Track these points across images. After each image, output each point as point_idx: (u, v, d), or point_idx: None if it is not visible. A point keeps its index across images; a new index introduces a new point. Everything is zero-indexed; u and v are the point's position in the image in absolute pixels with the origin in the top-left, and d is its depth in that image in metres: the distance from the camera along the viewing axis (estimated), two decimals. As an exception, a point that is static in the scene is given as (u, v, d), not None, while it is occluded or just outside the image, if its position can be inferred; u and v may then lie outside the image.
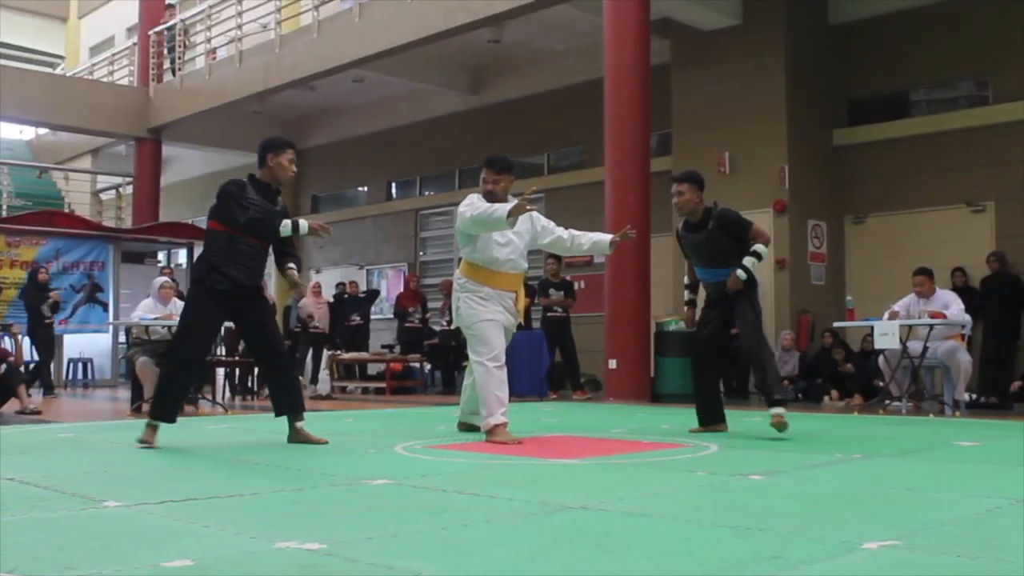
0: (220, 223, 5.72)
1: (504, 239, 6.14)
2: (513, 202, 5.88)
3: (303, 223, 5.71)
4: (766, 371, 6.23)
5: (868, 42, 13.08)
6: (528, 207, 5.86)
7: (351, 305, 15.30)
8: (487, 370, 6.00)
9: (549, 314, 12.73)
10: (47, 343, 13.08)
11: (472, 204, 6.08)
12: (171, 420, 5.66)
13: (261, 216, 5.62)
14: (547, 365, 12.33)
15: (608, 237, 6.56)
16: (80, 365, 15.56)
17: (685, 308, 7.08)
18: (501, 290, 6.17)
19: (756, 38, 12.83)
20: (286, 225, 5.64)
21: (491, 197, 6.20)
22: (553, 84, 16.08)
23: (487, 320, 6.08)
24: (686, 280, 6.91)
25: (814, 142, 12.97)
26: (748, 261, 6.29)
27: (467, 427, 6.67)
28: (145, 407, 8.85)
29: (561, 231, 6.52)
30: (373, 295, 16.04)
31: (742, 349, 6.50)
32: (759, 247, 6.30)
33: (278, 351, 5.97)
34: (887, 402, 9.40)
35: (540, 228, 6.46)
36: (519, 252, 6.25)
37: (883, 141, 12.77)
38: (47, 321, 12.98)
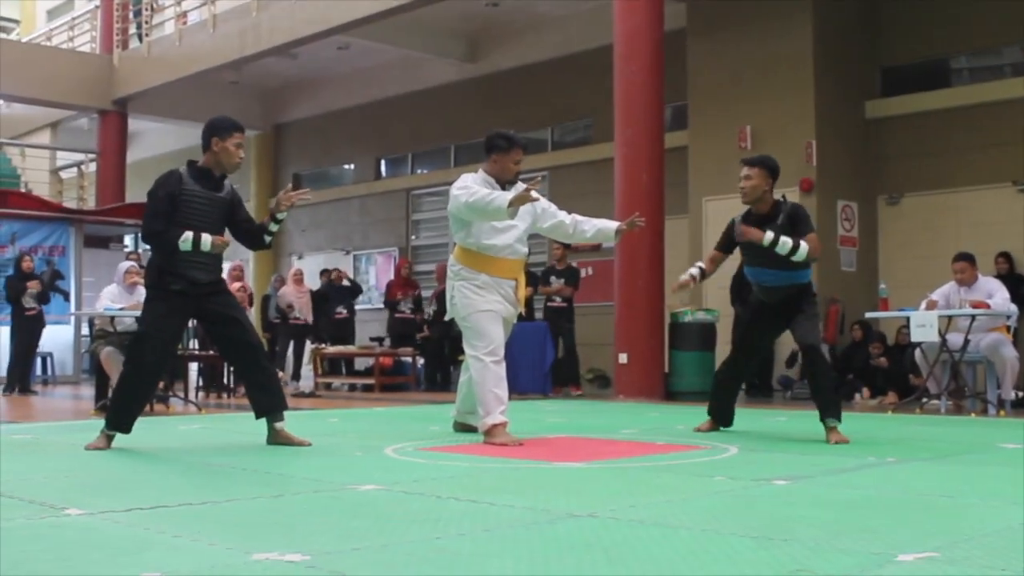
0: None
1: (502, 223, 6.11)
2: (512, 191, 5.88)
3: (206, 239, 5.63)
4: (827, 376, 6.21)
5: (904, 4, 13.04)
6: (533, 197, 5.88)
7: (337, 296, 15.29)
8: (484, 365, 5.99)
9: (550, 303, 12.74)
10: (29, 336, 13.08)
11: (467, 187, 6.03)
12: (126, 430, 5.67)
13: (157, 231, 5.61)
14: (551, 360, 12.33)
15: (614, 225, 6.53)
16: (39, 360, 15.57)
17: (689, 273, 6.66)
18: (500, 278, 6.15)
19: (781, 1, 12.80)
20: (186, 239, 5.58)
21: (507, 176, 6.18)
22: (557, 52, 16.06)
23: (484, 311, 6.06)
24: (700, 264, 6.76)
25: (844, 115, 12.95)
26: (792, 243, 6.13)
27: (464, 427, 6.68)
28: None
29: (563, 215, 6.49)
30: (355, 291, 15.95)
31: (802, 348, 6.41)
32: (806, 244, 6.15)
33: (252, 344, 5.96)
34: (924, 400, 9.40)
35: (540, 211, 6.42)
36: (518, 237, 6.22)
37: (920, 113, 12.74)
38: (28, 312, 12.98)
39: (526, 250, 6.34)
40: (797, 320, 6.28)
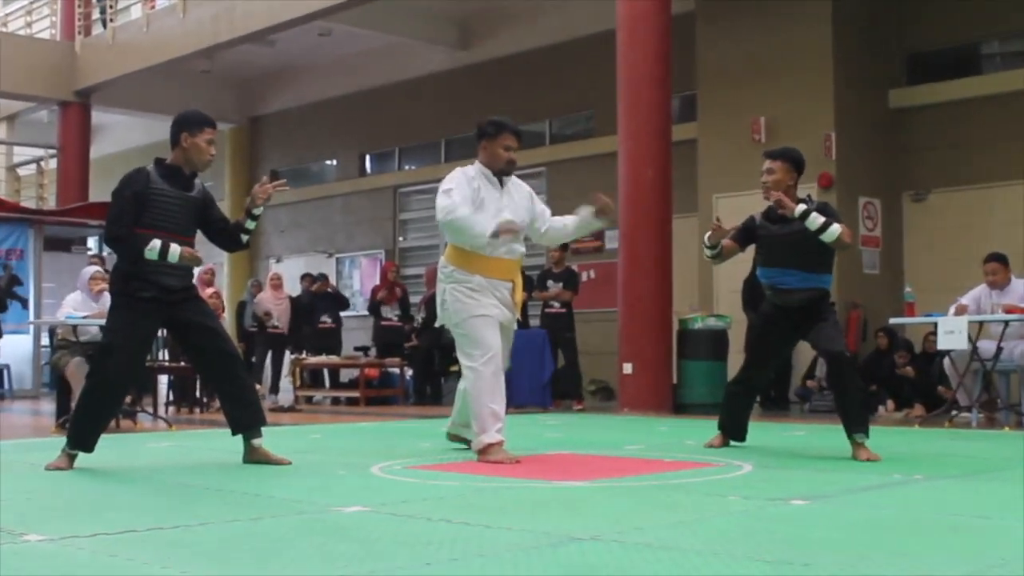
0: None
1: (495, 217, 6.07)
2: (495, 224, 5.92)
3: (174, 250, 5.59)
4: (855, 387, 6.20)
5: (930, -15, 13.09)
6: (517, 227, 5.99)
7: (321, 303, 15.27)
8: (479, 376, 5.96)
9: (547, 310, 12.72)
10: None
11: (450, 194, 6.00)
12: (89, 449, 5.66)
13: (122, 235, 5.61)
14: (550, 370, 12.32)
15: (586, 209, 6.39)
16: (-6, 372, 15.57)
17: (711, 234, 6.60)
18: (495, 279, 6.13)
19: (797, -19, 12.84)
20: (153, 248, 5.56)
21: (498, 164, 6.20)
22: (556, 38, 16.08)
23: (479, 316, 6.02)
24: (708, 244, 6.65)
25: (866, 105, 12.97)
26: (823, 220, 6.09)
27: (457, 439, 6.67)
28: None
29: (553, 219, 6.51)
30: (342, 302, 15.90)
31: (826, 356, 6.40)
32: (839, 225, 6.13)
33: (228, 354, 5.95)
34: (954, 413, 9.41)
35: (540, 210, 6.45)
36: (516, 237, 6.19)
37: (949, 103, 12.76)
38: None
39: (523, 249, 6.33)
40: (818, 327, 6.27)
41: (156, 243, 5.56)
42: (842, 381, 6.15)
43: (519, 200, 6.28)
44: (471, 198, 6.04)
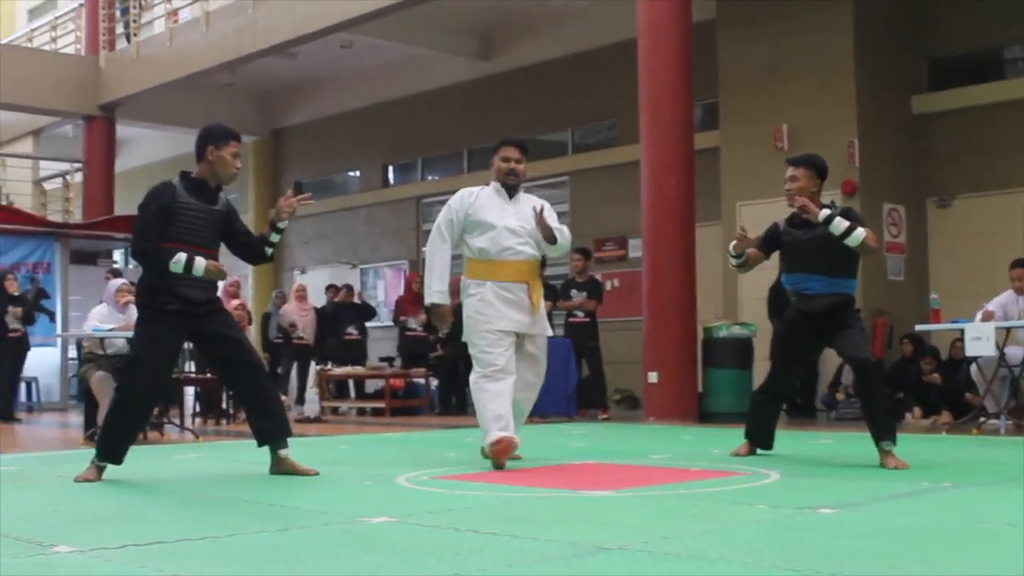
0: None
1: (499, 226, 6.30)
2: (438, 300, 6.37)
3: (199, 264, 5.62)
4: (883, 394, 6.17)
5: (953, -10, 13.04)
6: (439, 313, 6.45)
7: (346, 314, 15.29)
8: (480, 389, 6.16)
9: (571, 319, 12.69)
10: (10, 358, 13.11)
11: (438, 229, 6.40)
12: (118, 462, 5.68)
13: (148, 249, 5.63)
14: (575, 380, 12.30)
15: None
16: (23, 385, 15.62)
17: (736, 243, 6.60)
18: (507, 282, 6.29)
19: (819, -13, 12.81)
20: (178, 261, 5.58)
21: (499, 177, 6.44)
22: (578, 47, 16.08)
23: (485, 332, 6.22)
24: (734, 253, 6.66)
25: (889, 110, 12.93)
26: (847, 225, 6.06)
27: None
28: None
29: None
30: (368, 312, 15.94)
31: (852, 363, 6.37)
32: (863, 229, 6.13)
33: (253, 365, 5.97)
34: (982, 420, 9.35)
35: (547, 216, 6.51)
36: (521, 240, 6.35)
37: (972, 108, 12.70)
38: (12, 334, 13.01)
39: (534, 252, 6.43)
40: (844, 334, 6.24)
41: (182, 257, 5.58)
42: (869, 388, 6.12)
43: (526, 211, 6.42)
44: (453, 231, 6.39)
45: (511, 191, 6.48)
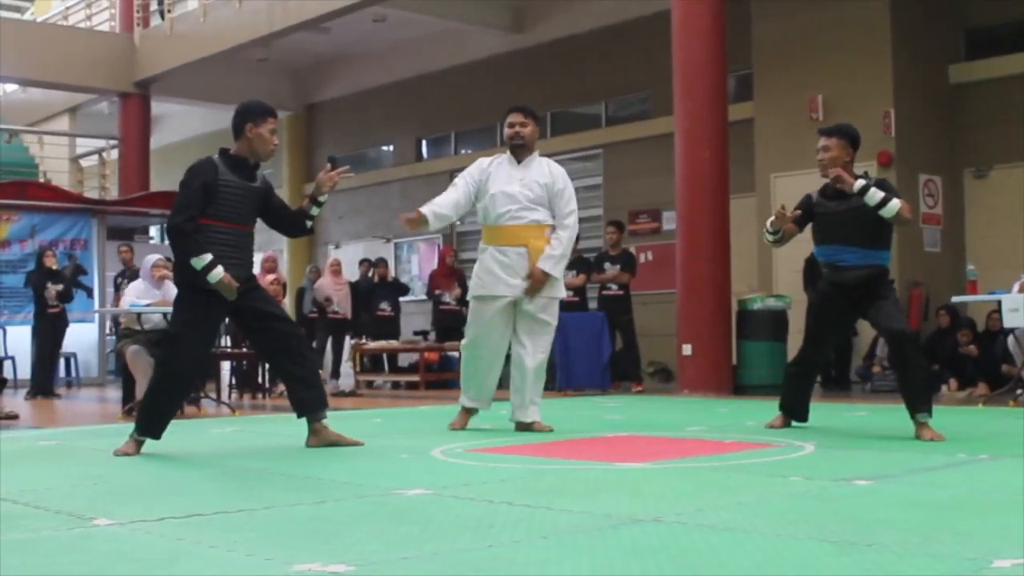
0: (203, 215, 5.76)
1: (495, 192, 6.70)
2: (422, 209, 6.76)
3: (217, 272, 5.58)
4: (919, 366, 6.12)
5: (990, -42, 12.87)
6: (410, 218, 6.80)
7: (380, 291, 15.32)
8: (462, 354, 7.09)
9: (605, 292, 12.67)
10: (49, 334, 13.22)
11: (453, 183, 6.91)
12: (156, 436, 5.73)
13: (185, 228, 5.62)
14: (608, 353, 12.29)
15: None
16: (62, 361, 15.77)
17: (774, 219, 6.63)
18: (505, 246, 6.67)
19: (854, -44, 12.68)
20: (202, 259, 5.57)
21: (519, 140, 6.78)
22: (610, 19, 16.00)
23: (474, 297, 6.84)
24: (771, 230, 6.66)
25: (925, 81, 12.81)
26: (883, 195, 6.02)
27: (520, 426, 6.86)
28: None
29: (560, 230, 6.74)
30: (402, 289, 15.95)
31: (887, 335, 6.33)
32: (898, 200, 6.09)
33: (294, 335, 6.02)
34: (1019, 392, 9.29)
35: (558, 191, 6.73)
36: (521, 204, 6.65)
37: (1010, 78, 12.57)
38: (51, 310, 13.12)
39: (537, 217, 6.67)
40: (878, 305, 6.19)
41: (207, 257, 5.57)
42: (904, 360, 6.07)
43: (533, 176, 6.72)
44: (466, 187, 6.78)
45: (518, 156, 6.79)
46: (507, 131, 6.81)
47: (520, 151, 6.77)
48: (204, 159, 5.81)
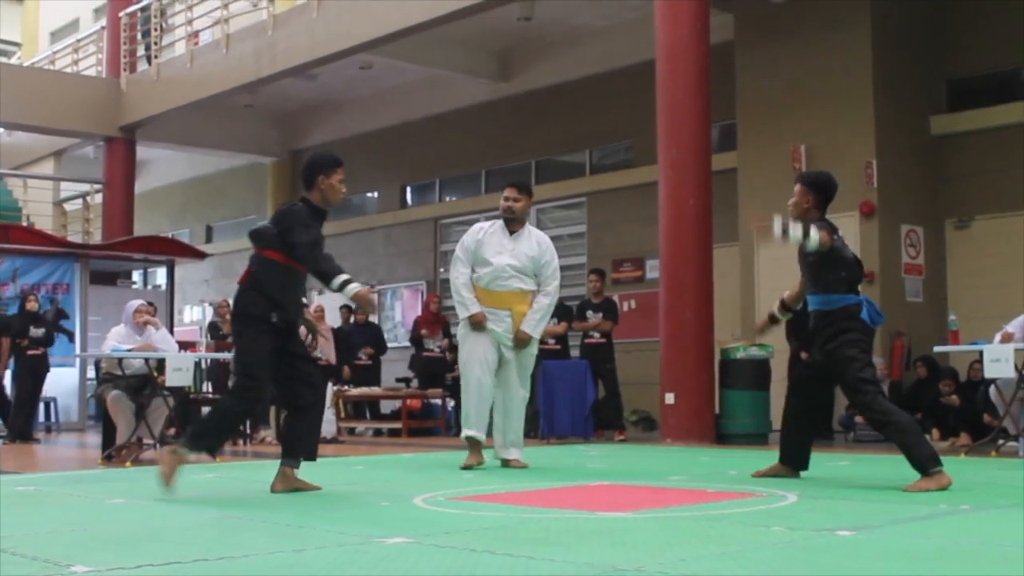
0: (280, 253, 5.97)
1: (493, 263, 7.35)
2: (472, 310, 7.38)
3: (352, 288, 5.77)
4: (915, 437, 6.09)
5: (971, 11, 13.01)
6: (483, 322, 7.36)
7: (360, 337, 15.28)
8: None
9: (587, 340, 12.66)
10: (29, 379, 13.13)
11: (455, 262, 7.53)
12: (212, 452, 5.93)
13: (318, 245, 5.90)
14: (591, 401, 12.27)
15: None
16: (42, 406, 15.68)
17: (767, 314, 6.96)
18: (493, 307, 7.35)
19: (836, 7, 12.80)
20: (338, 281, 5.75)
21: (510, 215, 7.42)
22: (595, 68, 16.12)
23: (465, 359, 7.40)
24: (783, 297, 6.78)
25: (907, 132, 12.91)
26: (803, 228, 5.96)
27: (504, 462, 7.56)
28: (122, 452, 8.92)
29: (541, 295, 7.51)
30: (380, 347, 15.79)
31: (841, 388, 6.36)
32: (815, 233, 5.95)
33: (316, 385, 6.18)
34: (1001, 442, 9.31)
35: (543, 263, 7.48)
36: (509, 274, 7.35)
37: (991, 129, 12.68)
38: (30, 352, 13.05)
39: (522, 286, 7.45)
40: (829, 354, 6.23)
41: (342, 279, 5.76)
42: (871, 415, 6.16)
43: (523, 248, 7.43)
44: (468, 258, 7.49)
45: (510, 228, 7.46)
46: (501, 203, 7.42)
47: (512, 224, 7.43)
48: (298, 204, 6.09)
